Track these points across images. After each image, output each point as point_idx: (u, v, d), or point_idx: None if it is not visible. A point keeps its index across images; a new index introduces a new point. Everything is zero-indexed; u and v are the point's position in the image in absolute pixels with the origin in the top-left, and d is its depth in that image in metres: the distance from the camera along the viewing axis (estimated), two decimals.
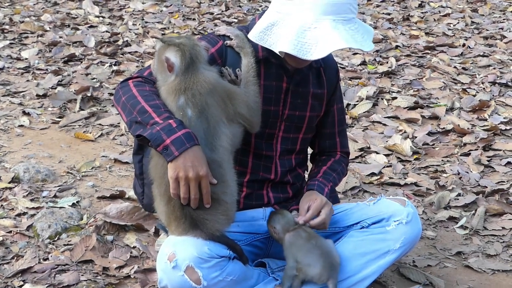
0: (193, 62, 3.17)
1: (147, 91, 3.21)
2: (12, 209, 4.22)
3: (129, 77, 3.36)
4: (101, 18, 8.88)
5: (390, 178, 5.13)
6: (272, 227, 3.39)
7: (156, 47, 3.28)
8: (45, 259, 3.74)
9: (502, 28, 9.62)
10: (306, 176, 3.78)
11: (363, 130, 5.98)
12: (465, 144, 5.80)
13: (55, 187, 4.53)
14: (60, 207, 4.22)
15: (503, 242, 4.36)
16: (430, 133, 5.98)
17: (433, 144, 5.82)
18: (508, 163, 5.49)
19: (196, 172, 3.00)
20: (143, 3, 9.63)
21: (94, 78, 6.66)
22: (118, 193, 4.46)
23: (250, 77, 3.33)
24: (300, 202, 3.51)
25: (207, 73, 3.20)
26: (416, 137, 5.88)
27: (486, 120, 6.34)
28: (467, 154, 5.63)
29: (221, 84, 3.24)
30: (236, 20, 9.22)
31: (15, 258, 3.72)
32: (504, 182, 5.16)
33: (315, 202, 3.42)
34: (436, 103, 6.68)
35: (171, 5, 9.76)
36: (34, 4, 9.23)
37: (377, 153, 5.55)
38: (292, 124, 3.56)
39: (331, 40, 3.07)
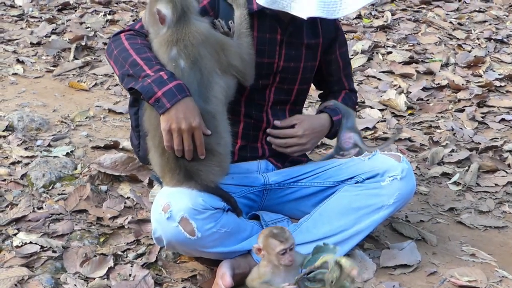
0: (185, 13, 3.16)
1: (139, 44, 3.20)
2: (6, 157, 4.21)
3: (121, 30, 3.36)
4: None
5: (384, 133, 5.13)
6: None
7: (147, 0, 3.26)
8: (39, 208, 3.74)
9: None
10: None
11: (357, 85, 5.96)
12: (459, 100, 5.80)
13: (49, 136, 4.52)
14: (54, 156, 4.22)
15: (496, 198, 4.38)
16: (424, 89, 5.97)
17: (428, 100, 5.82)
18: (502, 119, 5.50)
19: (189, 123, 3.00)
20: None
21: (88, 27, 6.61)
22: (112, 143, 4.44)
23: (243, 29, 3.31)
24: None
25: (199, 24, 3.19)
26: (410, 92, 5.88)
27: (481, 76, 6.33)
28: (461, 110, 5.63)
29: (214, 35, 3.23)
30: None
31: (9, 206, 3.72)
32: (498, 139, 5.17)
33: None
34: (431, 58, 6.66)
35: None
36: None
37: (371, 107, 5.54)
38: (287, 76, 3.56)
39: None
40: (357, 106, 4.04)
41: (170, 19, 3.14)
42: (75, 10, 7.07)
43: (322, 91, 3.99)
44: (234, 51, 3.24)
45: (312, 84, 3.84)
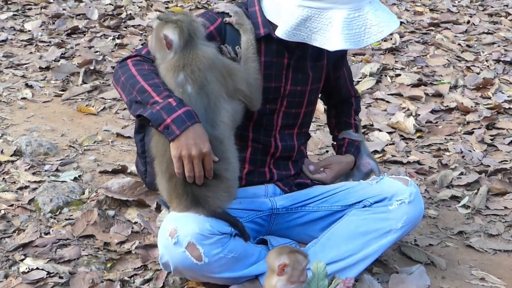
0: (191, 38, 3.16)
1: (146, 70, 3.20)
2: (14, 182, 4.21)
3: (127, 56, 3.35)
4: None
5: (393, 156, 5.12)
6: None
7: (153, 25, 3.27)
8: (46, 233, 3.74)
9: (507, 5, 9.56)
10: (309, 153, 3.82)
11: (366, 107, 5.96)
12: (468, 123, 5.78)
13: (57, 160, 4.52)
14: (62, 181, 4.22)
15: (505, 222, 4.35)
16: (433, 111, 5.97)
17: (436, 122, 5.81)
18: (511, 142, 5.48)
19: (199, 150, 3.00)
20: None
21: (97, 51, 6.63)
22: (120, 167, 4.45)
23: (249, 54, 3.32)
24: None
25: (206, 48, 3.19)
26: (419, 114, 5.87)
27: (489, 98, 6.32)
28: (470, 133, 5.62)
29: (220, 59, 3.23)
30: None
31: (17, 232, 3.72)
32: (507, 161, 5.15)
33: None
34: (440, 80, 6.65)
35: None
36: None
37: (380, 130, 5.53)
38: (294, 100, 3.56)
39: (382, 22, 3.15)
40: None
41: (177, 44, 3.15)
42: (84, 34, 7.11)
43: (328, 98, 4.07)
44: (240, 76, 3.24)
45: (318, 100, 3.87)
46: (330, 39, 3.11)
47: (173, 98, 3.04)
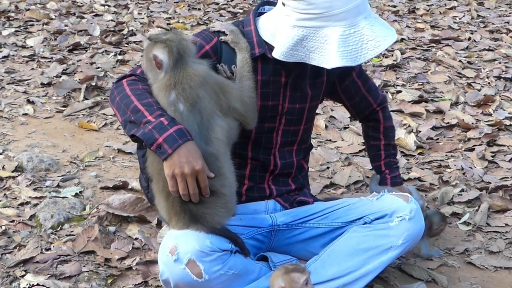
0: (181, 56, 3.18)
1: (140, 89, 3.22)
2: (15, 198, 4.22)
3: (122, 76, 3.37)
4: (106, 7, 8.87)
5: None
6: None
7: (144, 46, 3.28)
8: (47, 249, 3.74)
9: (508, 22, 9.58)
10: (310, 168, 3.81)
11: None
12: (469, 139, 5.78)
13: (58, 176, 4.53)
14: (63, 197, 4.22)
15: (506, 239, 4.34)
16: (434, 128, 5.96)
17: (437, 139, 5.80)
18: None
19: (192, 167, 3.01)
20: None
21: (98, 67, 6.65)
22: (121, 183, 4.45)
23: (244, 72, 3.33)
24: None
25: (197, 66, 3.21)
26: (420, 131, 5.86)
27: (490, 115, 6.31)
28: (471, 149, 5.60)
29: (212, 76, 3.24)
30: (241, 11, 9.20)
31: (17, 247, 3.72)
32: (508, 178, 5.13)
33: None
34: (441, 97, 6.65)
35: None
36: None
37: None
38: (293, 117, 3.56)
39: (379, 36, 3.16)
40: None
41: (167, 64, 3.16)
42: (86, 51, 7.13)
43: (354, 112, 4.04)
44: (234, 93, 3.25)
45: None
46: (327, 57, 3.13)
47: (165, 117, 3.06)
